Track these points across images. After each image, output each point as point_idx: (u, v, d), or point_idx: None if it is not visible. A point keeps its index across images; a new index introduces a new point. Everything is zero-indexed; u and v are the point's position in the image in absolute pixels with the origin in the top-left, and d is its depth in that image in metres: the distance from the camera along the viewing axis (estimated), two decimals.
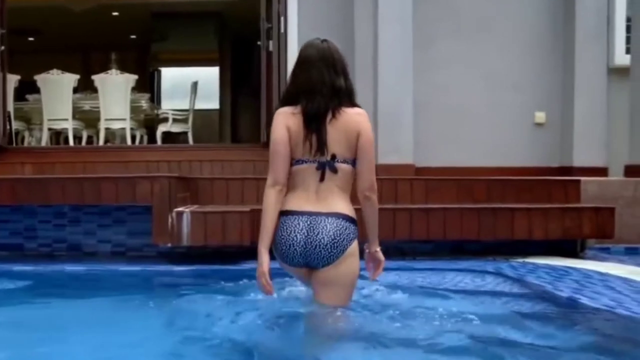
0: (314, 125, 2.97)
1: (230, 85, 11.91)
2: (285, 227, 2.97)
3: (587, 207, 5.00)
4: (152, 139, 8.98)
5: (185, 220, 4.53)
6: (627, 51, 7.52)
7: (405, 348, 2.56)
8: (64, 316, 3.14)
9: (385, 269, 3.21)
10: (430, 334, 2.66)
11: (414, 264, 4.58)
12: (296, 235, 2.95)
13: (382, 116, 6.44)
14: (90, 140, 8.57)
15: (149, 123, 9.31)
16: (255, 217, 4.61)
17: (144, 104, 8.86)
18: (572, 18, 7.09)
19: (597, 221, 4.94)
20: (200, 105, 9.81)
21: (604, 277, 4.13)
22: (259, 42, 7.56)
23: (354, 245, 2.98)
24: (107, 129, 8.36)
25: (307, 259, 2.96)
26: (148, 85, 11.35)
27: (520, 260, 4.81)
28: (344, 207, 2.99)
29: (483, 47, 7.19)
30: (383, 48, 6.72)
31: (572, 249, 5.19)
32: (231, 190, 5.25)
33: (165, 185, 4.58)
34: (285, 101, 3.08)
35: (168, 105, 10.43)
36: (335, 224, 2.95)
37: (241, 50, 12.05)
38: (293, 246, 2.95)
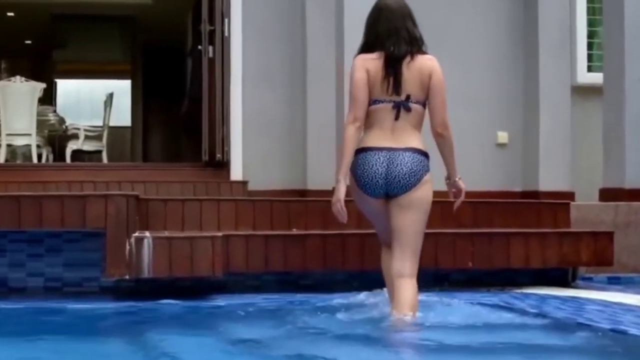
0: (393, 68, 3.53)
1: (142, 99, 11.41)
2: (367, 162, 3.53)
3: (585, 232, 4.92)
4: (58, 158, 8.47)
5: (147, 247, 4.13)
6: (589, 69, 7.66)
7: None
8: None
9: None
10: None
11: None
12: (378, 168, 3.51)
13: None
14: None
15: (52, 140, 8.76)
16: (230, 244, 4.29)
17: (52, 117, 8.36)
18: (534, 31, 7.06)
19: (596, 247, 4.86)
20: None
21: (626, 307, 4.02)
22: (187, 49, 7.22)
23: (428, 175, 3.59)
24: (8, 145, 7.75)
25: (388, 188, 3.53)
26: (48, 97, 10.67)
27: (518, 291, 4.67)
28: (418, 142, 3.57)
29: (438, 58, 7.06)
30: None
31: (562, 278, 5.10)
32: (188, 213, 4.85)
33: (123, 205, 4.17)
34: (365, 48, 3.63)
35: (70, 121, 9.85)
36: (411, 157, 3.52)
37: (155, 60, 11.59)
38: (375, 177, 3.51)
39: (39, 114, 7.95)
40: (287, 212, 4.99)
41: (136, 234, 4.17)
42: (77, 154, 8.37)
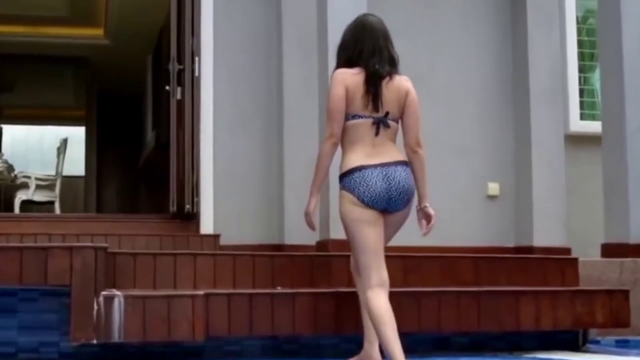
0: (374, 86, 3.71)
1: (96, 147, 11.08)
2: (365, 179, 3.66)
3: (599, 290, 4.72)
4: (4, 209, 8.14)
5: (118, 307, 3.79)
6: (582, 117, 7.57)
7: None
8: None
9: None
10: None
11: None
12: (380, 185, 3.66)
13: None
14: None
15: None
16: (210, 303, 3.98)
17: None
18: (525, 77, 6.95)
19: (611, 306, 4.65)
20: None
21: None
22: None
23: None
24: None
25: (389, 204, 3.69)
26: None
27: (529, 356, 4.43)
28: (402, 155, 3.78)
29: (422, 105, 6.89)
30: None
31: (572, 341, 4.87)
32: (161, 269, 4.52)
33: (90, 259, 3.84)
34: (346, 63, 3.80)
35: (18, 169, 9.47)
36: (405, 172, 3.74)
37: (110, 106, 11.30)
38: (380, 194, 3.66)
39: None
40: (271, 268, 4.70)
41: (105, 292, 3.84)
42: (26, 205, 8.08)
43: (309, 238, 5.39)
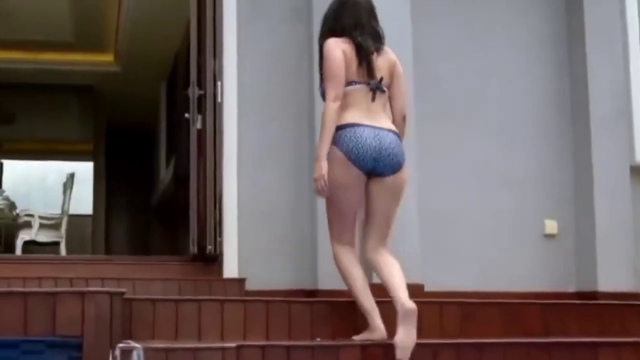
0: (366, 53, 4.14)
1: (105, 184, 10.93)
2: (356, 135, 4.03)
3: None
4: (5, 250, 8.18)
5: None
6: None
7: None
8: None
9: None
10: None
11: None
12: (370, 142, 4.03)
13: None
14: None
15: None
16: (245, 357, 3.72)
17: (0, 202, 7.89)
18: (584, 102, 6.73)
19: None
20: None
21: None
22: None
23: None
24: None
25: (377, 165, 4.06)
26: None
27: None
28: (394, 127, 4.20)
29: (472, 134, 6.68)
30: None
31: None
32: (183, 317, 4.28)
33: (105, 306, 3.62)
34: (330, 36, 4.20)
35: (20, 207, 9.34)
36: (396, 140, 4.14)
37: (120, 139, 11.18)
38: (369, 151, 4.02)
39: None
40: (309, 316, 4.45)
41: (122, 345, 3.60)
42: (29, 247, 7.99)
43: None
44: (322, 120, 4.09)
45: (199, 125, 6.31)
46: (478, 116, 6.71)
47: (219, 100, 6.20)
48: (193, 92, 6.30)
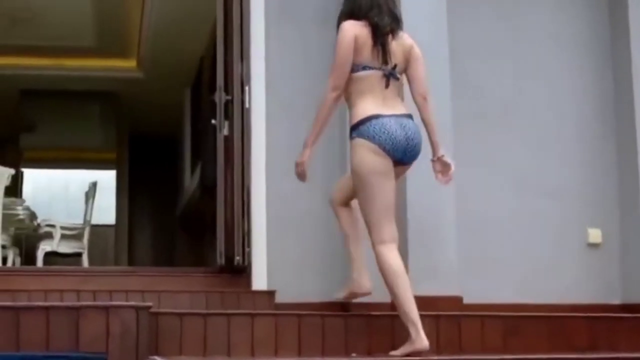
0: (382, 37, 4.19)
1: (128, 193, 10.92)
2: (384, 127, 4.09)
3: None
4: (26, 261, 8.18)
5: None
6: None
7: None
8: None
9: None
10: None
11: None
12: (399, 133, 4.11)
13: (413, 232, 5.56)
14: None
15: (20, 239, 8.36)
16: None
17: (21, 212, 7.89)
18: (629, 106, 6.60)
19: None
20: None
21: None
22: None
23: None
24: None
25: (405, 154, 4.17)
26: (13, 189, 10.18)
27: None
28: (408, 110, 4.27)
29: (511, 138, 6.56)
30: None
31: None
32: (211, 332, 4.20)
33: (131, 321, 3.55)
34: (347, 18, 4.31)
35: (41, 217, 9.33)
36: (414, 125, 4.23)
37: (142, 145, 11.17)
38: (400, 142, 4.11)
39: (5, 208, 7.50)
40: (344, 330, 4.35)
41: None
42: (50, 258, 7.96)
43: (383, 295, 5.02)
44: (317, 107, 4.27)
45: (226, 132, 6.22)
46: (517, 119, 6.60)
47: (246, 105, 6.13)
48: (220, 97, 6.21)
